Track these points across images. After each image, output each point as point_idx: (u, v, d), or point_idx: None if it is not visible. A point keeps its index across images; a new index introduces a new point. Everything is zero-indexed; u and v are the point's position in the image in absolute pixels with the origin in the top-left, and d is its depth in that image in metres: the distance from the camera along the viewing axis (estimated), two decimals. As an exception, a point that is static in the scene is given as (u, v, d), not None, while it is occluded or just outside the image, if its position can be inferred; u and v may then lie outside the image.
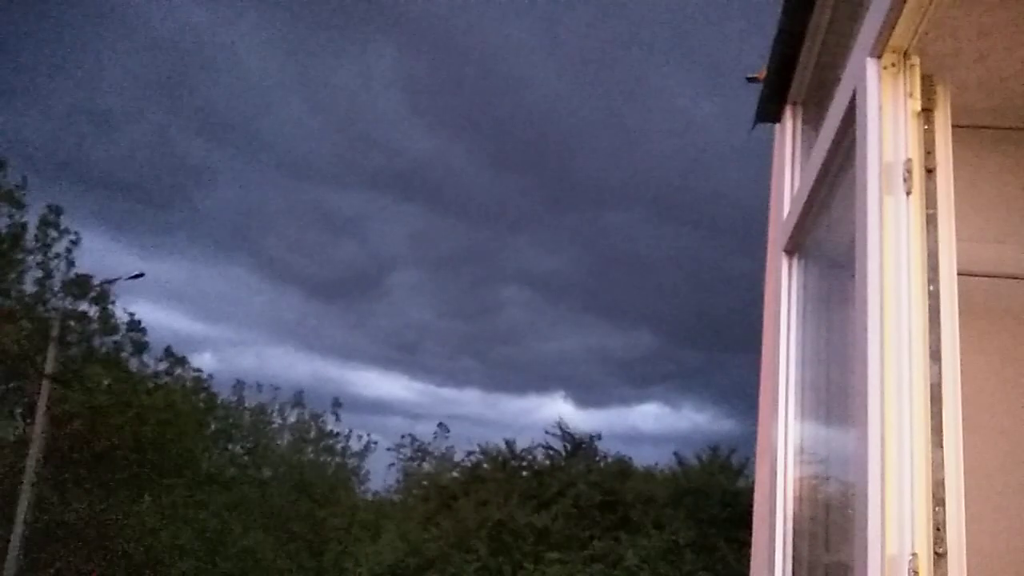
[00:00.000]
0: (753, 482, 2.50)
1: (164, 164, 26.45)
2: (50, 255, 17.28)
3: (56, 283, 17.29)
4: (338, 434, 23.46)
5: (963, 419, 1.27)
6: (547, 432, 15.40)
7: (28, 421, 16.27)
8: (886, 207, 1.35)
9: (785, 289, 2.14)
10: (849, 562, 1.30)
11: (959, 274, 1.34)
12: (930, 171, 1.37)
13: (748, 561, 2.43)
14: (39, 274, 17.25)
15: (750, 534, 2.39)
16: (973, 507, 1.25)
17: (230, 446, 21.52)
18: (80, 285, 17.35)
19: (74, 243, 17.49)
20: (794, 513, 1.96)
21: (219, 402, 21.26)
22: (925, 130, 1.40)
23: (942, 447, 1.23)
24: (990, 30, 1.59)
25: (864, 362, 1.30)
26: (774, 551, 1.96)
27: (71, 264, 17.42)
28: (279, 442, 22.64)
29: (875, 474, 1.22)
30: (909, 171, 1.36)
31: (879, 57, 1.43)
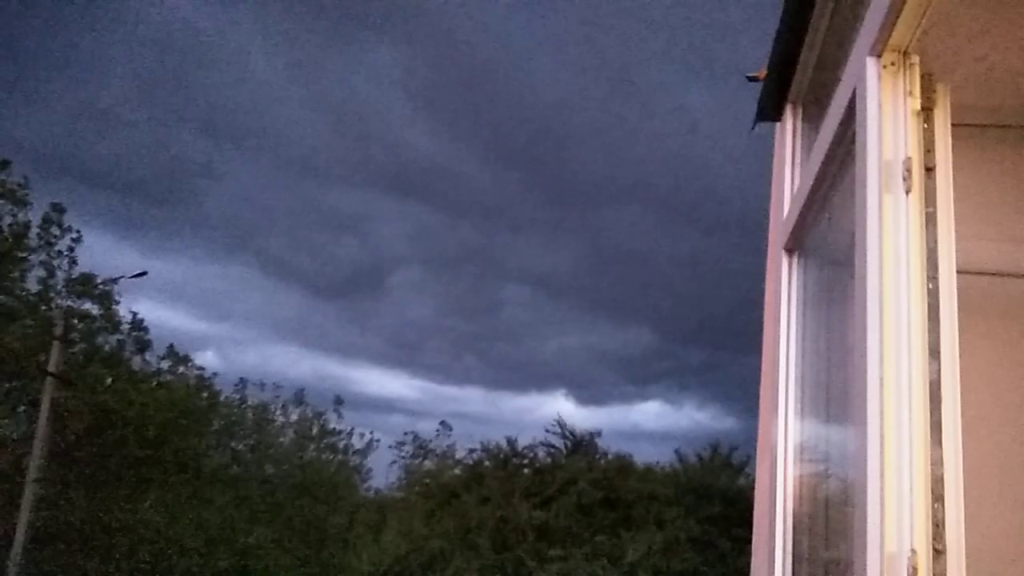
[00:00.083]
0: (754, 480, 2.51)
1: (166, 163, 26.47)
2: (53, 254, 17.33)
3: (59, 282, 17.34)
4: (340, 432, 23.50)
5: (962, 416, 1.27)
6: (547, 430, 15.42)
7: (31, 420, 16.31)
8: (886, 205, 1.35)
9: (785, 287, 2.15)
10: (848, 559, 1.31)
11: (958, 272, 1.35)
12: (930, 170, 1.38)
13: (749, 558, 2.44)
14: (42, 273, 17.30)
15: (751, 531, 2.40)
16: (972, 504, 1.26)
17: (233, 444, 21.56)
18: (83, 284, 17.39)
19: (76, 241, 17.54)
20: (794, 510, 1.96)
21: (222, 400, 21.31)
22: (925, 129, 1.40)
23: (941, 444, 1.24)
24: (990, 29, 1.59)
25: (863, 359, 1.31)
26: (774, 548, 1.97)
27: (73, 262, 17.47)
28: (282, 440, 22.68)
29: (874, 471, 1.23)
30: (909, 170, 1.36)
31: (879, 56, 1.43)
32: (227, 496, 18.68)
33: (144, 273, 17.61)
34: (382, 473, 22.71)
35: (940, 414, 1.25)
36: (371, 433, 24.00)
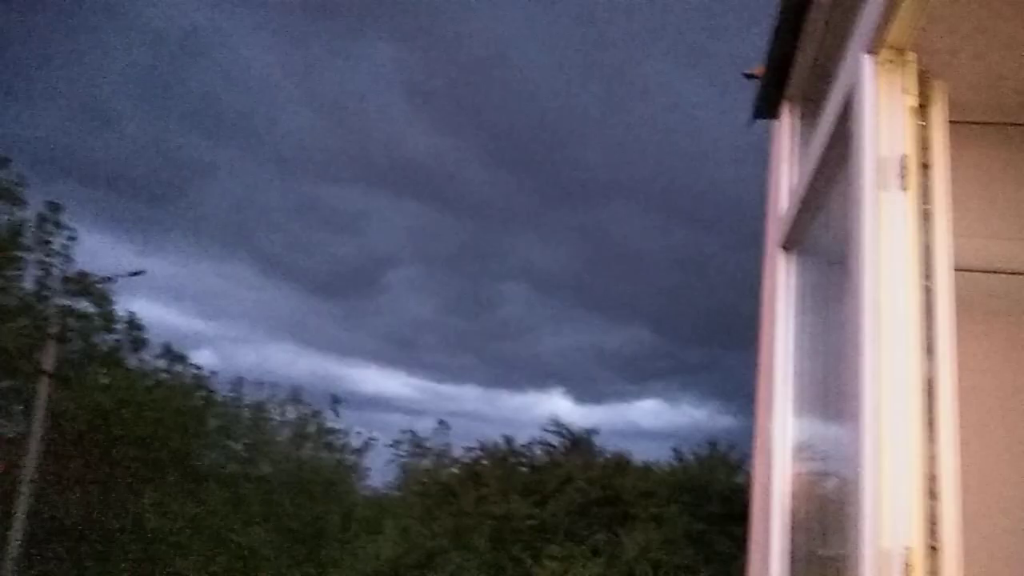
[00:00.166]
0: (751, 477, 2.51)
1: (162, 160, 26.39)
2: (48, 252, 17.28)
3: (55, 280, 17.29)
4: (337, 431, 23.48)
5: (958, 413, 1.28)
6: (544, 429, 15.45)
7: (27, 419, 16.27)
8: (882, 203, 1.35)
9: (782, 285, 2.15)
10: (845, 555, 1.31)
11: (955, 269, 1.35)
12: (926, 167, 1.38)
13: (746, 556, 2.44)
14: (38, 272, 17.26)
15: (749, 529, 2.40)
16: (967, 501, 1.26)
17: (229, 443, 21.53)
18: (78, 282, 17.35)
19: (71, 239, 17.48)
20: (791, 507, 1.97)
21: (218, 399, 21.27)
22: (921, 126, 1.40)
23: (937, 441, 1.24)
24: (986, 27, 1.59)
25: (859, 356, 1.31)
26: (771, 545, 1.97)
27: (69, 260, 17.43)
28: (278, 439, 22.66)
29: (870, 468, 1.23)
30: (905, 167, 1.36)
31: (875, 53, 1.43)
32: (224, 495, 18.65)
33: (141, 272, 17.59)
34: (379, 472, 22.71)
35: (936, 411, 1.26)
36: (368, 432, 24.00)
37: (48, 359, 15.92)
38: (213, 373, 21.15)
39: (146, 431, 17.13)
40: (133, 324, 18.26)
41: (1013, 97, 1.80)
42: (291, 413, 22.90)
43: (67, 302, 17.15)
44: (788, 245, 2.17)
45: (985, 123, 1.89)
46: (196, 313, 31.05)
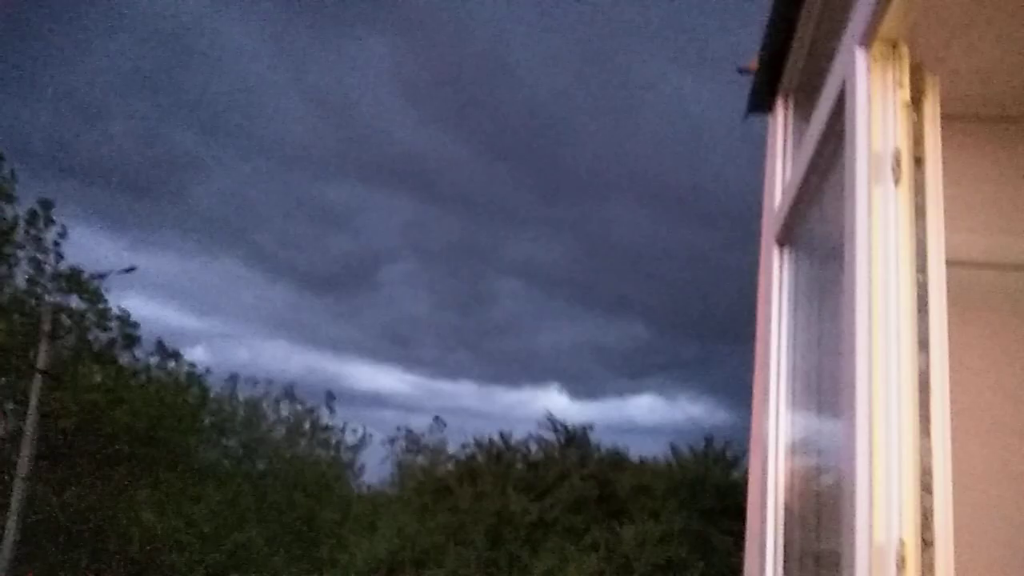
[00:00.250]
0: (748, 473, 2.51)
1: (154, 156, 26.24)
2: (40, 249, 17.18)
3: (47, 278, 17.20)
4: (332, 428, 23.47)
5: (951, 408, 1.28)
6: (539, 424, 15.48)
7: (20, 417, 16.20)
8: (875, 197, 1.35)
9: (776, 280, 2.15)
10: (839, 549, 1.31)
11: (948, 264, 1.35)
12: (919, 161, 1.38)
13: (743, 551, 2.44)
14: (30, 269, 17.16)
15: (744, 525, 2.40)
16: (960, 495, 1.26)
17: (224, 440, 21.49)
18: (70, 279, 17.26)
19: (61, 236, 17.38)
20: (785, 502, 1.97)
21: (212, 396, 21.22)
22: (914, 120, 1.40)
23: (930, 435, 1.24)
24: (979, 20, 1.59)
25: (852, 351, 1.31)
26: (766, 540, 1.98)
27: (59, 257, 17.32)
28: (273, 435, 22.62)
29: (863, 462, 1.23)
30: (898, 161, 1.36)
31: (868, 47, 1.43)
32: (218, 492, 18.63)
33: (133, 268, 17.52)
34: (375, 469, 22.72)
35: (929, 405, 1.25)
36: (364, 428, 23.99)
37: (41, 357, 15.85)
38: (207, 370, 21.12)
39: (140, 429, 17.07)
40: (125, 321, 18.18)
41: (1006, 91, 1.80)
42: (285, 410, 22.87)
43: (59, 299, 17.06)
44: (782, 240, 2.17)
45: (978, 117, 1.89)
46: (189, 310, 30.96)
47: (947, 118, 1.46)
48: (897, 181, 1.35)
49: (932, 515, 1.20)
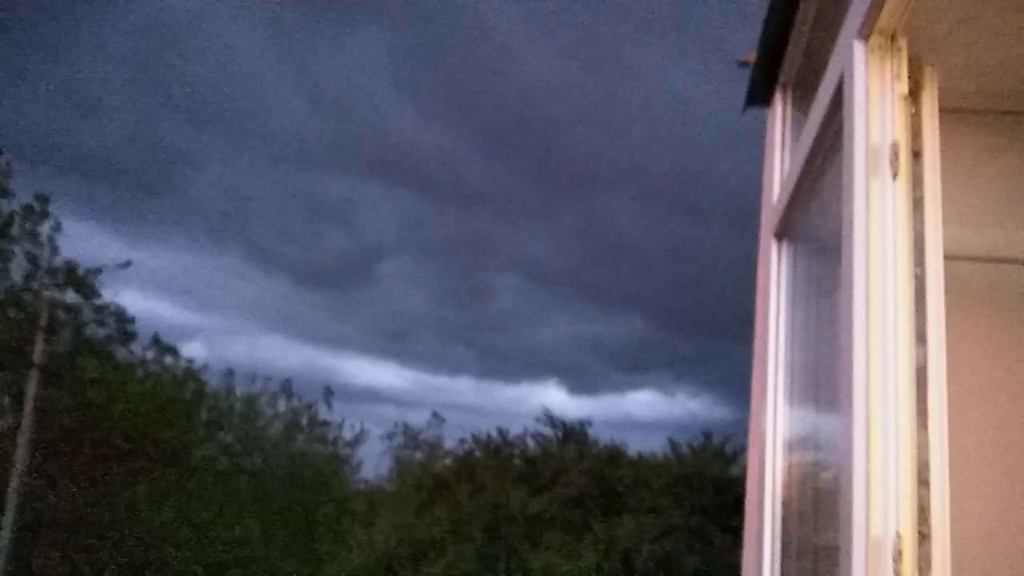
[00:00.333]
0: (746, 468, 2.51)
1: (151, 150, 26.15)
2: (36, 244, 17.11)
3: (42, 272, 17.14)
4: (329, 423, 23.46)
5: (948, 401, 1.27)
6: (536, 419, 15.50)
7: (17, 412, 16.17)
8: (873, 190, 1.35)
9: (774, 274, 2.15)
10: (836, 543, 1.31)
11: (945, 257, 1.35)
12: (917, 154, 1.37)
13: (741, 546, 2.45)
14: (26, 264, 17.09)
15: (743, 520, 2.40)
16: (957, 488, 1.26)
17: (221, 435, 21.48)
18: (66, 273, 17.20)
19: (55, 230, 17.30)
20: (783, 496, 1.97)
21: (209, 391, 21.20)
22: (912, 113, 1.40)
23: (927, 429, 1.24)
24: (978, 13, 1.59)
25: (850, 344, 1.30)
26: (763, 534, 1.98)
27: (54, 250, 17.25)
28: (271, 431, 22.62)
29: (860, 455, 1.23)
30: (896, 154, 1.35)
31: (866, 39, 1.42)
32: (216, 488, 18.62)
33: (129, 263, 17.47)
34: (372, 464, 22.72)
35: (926, 399, 1.25)
36: (361, 424, 23.99)
37: (37, 352, 15.81)
38: (204, 365, 21.09)
39: (137, 424, 17.05)
40: (121, 316, 18.13)
41: (1005, 84, 1.79)
42: (283, 405, 22.86)
43: (55, 294, 17.01)
44: (780, 234, 2.16)
45: (975, 111, 1.88)
46: (186, 305, 30.88)
47: (945, 111, 1.45)
48: (895, 174, 1.35)
49: (929, 508, 1.20)
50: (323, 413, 23.28)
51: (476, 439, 15.55)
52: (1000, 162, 2.00)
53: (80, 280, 17.24)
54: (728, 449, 14.48)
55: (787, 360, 2.04)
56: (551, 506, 13.64)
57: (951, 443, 1.25)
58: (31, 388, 15.54)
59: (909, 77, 1.41)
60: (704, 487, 13.49)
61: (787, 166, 2.26)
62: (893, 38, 1.42)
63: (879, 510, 1.20)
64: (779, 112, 2.43)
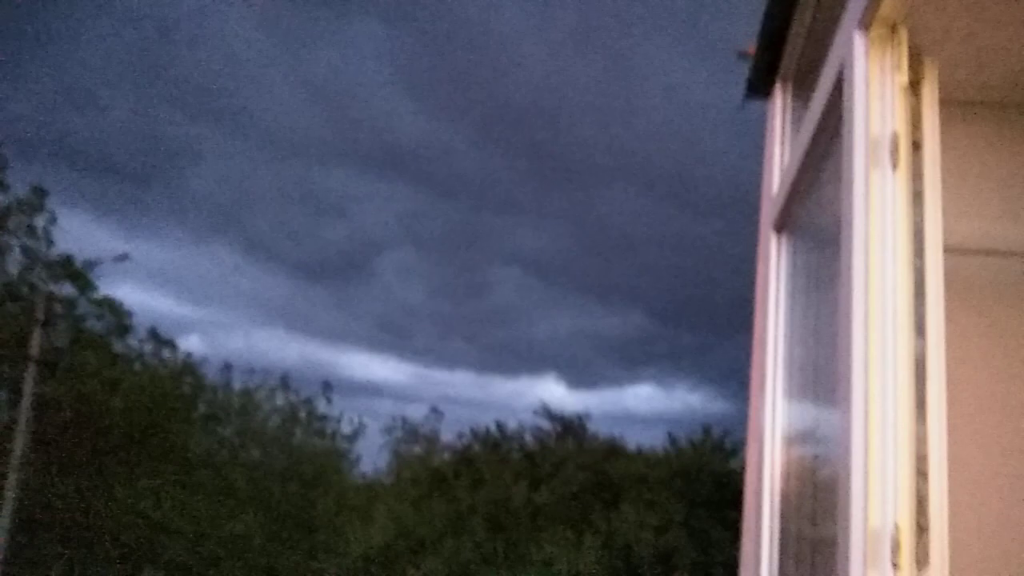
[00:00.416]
0: (745, 462, 2.51)
1: (148, 143, 26.07)
2: (32, 237, 17.06)
3: (39, 266, 17.09)
4: (328, 417, 23.46)
5: (947, 394, 1.27)
6: (535, 413, 15.51)
7: (14, 406, 16.16)
8: (872, 182, 1.34)
9: (773, 267, 2.14)
10: (834, 535, 1.31)
11: (945, 250, 1.34)
12: (917, 145, 1.37)
13: (740, 540, 2.45)
14: (22, 257, 17.05)
15: (741, 513, 2.40)
16: (955, 481, 1.26)
17: (219, 429, 21.48)
18: (63, 267, 17.16)
19: (51, 223, 17.24)
20: (782, 490, 1.97)
21: (207, 385, 21.18)
22: (912, 104, 1.39)
23: (926, 421, 1.24)
24: (978, 4, 1.57)
25: (849, 336, 1.30)
26: (762, 527, 1.98)
27: (51, 244, 17.20)
28: (269, 425, 22.62)
29: (858, 447, 1.23)
30: (896, 145, 1.35)
31: (867, 30, 1.41)
32: (214, 482, 18.63)
33: (126, 256, 17.43)
34: (371, 458, 22.74)
35: (925, 391, 1.25)
36: (360, 418, 23.99)
37: (34, 346, 15.78)
38: (202, 359, 21.07)
39: (134, 418, 17.05)
40: (117, 310, 18.10)
41: (1005, 75, 1.78)
42: (281, 399, 22.85)
43: (52, 287, 16.97)
44: (780, 226, 2.16)
45: (976, 102, 1.87)
46: (184, 298, 30.88)
47: (946, 103, 1.44)
48: (895, 166, 1.34)
49: (927, 500, 1.20)
50: (321, 407, 23.27)
51: (475, 433, 15.58)
52: (1001, 154, 1.99)
53: (77, 273, 17.20)
54: (727, 443, 14.51)
55: (786, 353, 2.04)
56: (551, 500, 13.68)
57: (950, 436, 1.25)
58: (29, 382, 15.52)
59: (909, 68, 1.40)
60: (703, 481, 13.53)
61: (787, 158, 2.25)
62: (894, 29, 1.41)
63: (877, 502, 1.20)
64: (779, 104, 2.42)
